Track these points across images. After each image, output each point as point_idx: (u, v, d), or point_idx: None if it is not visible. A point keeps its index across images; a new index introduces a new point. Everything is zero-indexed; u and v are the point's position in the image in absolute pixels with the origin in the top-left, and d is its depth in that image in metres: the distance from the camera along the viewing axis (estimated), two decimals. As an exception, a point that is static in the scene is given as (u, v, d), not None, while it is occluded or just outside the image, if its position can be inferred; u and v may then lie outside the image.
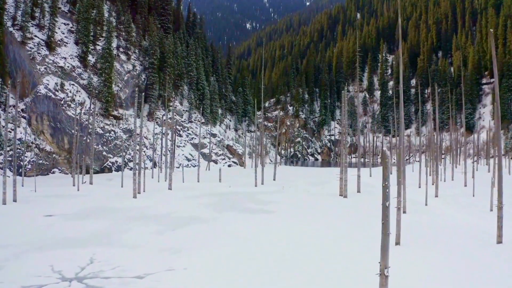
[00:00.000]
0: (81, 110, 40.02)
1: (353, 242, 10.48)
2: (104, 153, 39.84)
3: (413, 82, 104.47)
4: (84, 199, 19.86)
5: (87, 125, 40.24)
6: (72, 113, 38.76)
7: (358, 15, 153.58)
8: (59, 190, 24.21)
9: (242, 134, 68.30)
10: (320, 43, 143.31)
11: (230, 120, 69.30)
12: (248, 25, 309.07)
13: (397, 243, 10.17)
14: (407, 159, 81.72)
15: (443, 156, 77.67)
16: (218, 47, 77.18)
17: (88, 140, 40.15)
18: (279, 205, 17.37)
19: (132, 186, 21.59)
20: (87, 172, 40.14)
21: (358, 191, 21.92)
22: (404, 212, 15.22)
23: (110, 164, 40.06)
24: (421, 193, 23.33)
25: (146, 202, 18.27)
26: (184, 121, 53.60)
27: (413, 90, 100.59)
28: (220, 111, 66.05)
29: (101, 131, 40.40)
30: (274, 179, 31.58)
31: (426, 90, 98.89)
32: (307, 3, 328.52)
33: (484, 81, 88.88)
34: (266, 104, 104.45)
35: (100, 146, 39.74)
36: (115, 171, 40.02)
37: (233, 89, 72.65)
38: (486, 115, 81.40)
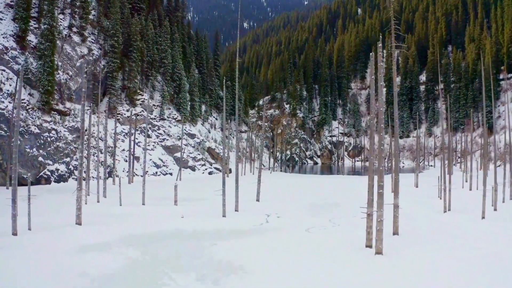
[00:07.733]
0: (10, 102, 30.71)
1: None
2: (40, 158, 30.44)
3: (422, 78, 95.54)
4: None
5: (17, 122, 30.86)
6: (-3, 107, 29.51)
7: (359, 10, 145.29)
8: None
9: (230, 134, 59.03)
10: (320, 38, 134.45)
11: (216, 119, 59.96)
12: (245, 24, 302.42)
13: None
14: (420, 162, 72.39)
15: (459, 160, 68.74)
16: (203, 35, 67.68)
17: (18, 142, 30.80)
18: (249, 284, 8.08)
19: (35, 213, 12.48)
20: (20, 184, 30.86)
21: (395, 233, 12.63)
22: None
23: (49, 173, 30.67)
24: (488, 227, 14.28)
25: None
26: (155, 119, 44.09)
27: (422, 87, 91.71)
28: (204, 107, 56.67)
29: (37, 130, 31.02)
30: (257, 200, 21.76)
31: (437, 86, 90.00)
32: (305, 2, 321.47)
33: (501, 76, 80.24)
34: (260, 102, 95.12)
35: (35, 149, 30.37)
36: (54, 182, 30.62)
37: (220, 84, 63.36)
38: (506, 113, 72.46)
